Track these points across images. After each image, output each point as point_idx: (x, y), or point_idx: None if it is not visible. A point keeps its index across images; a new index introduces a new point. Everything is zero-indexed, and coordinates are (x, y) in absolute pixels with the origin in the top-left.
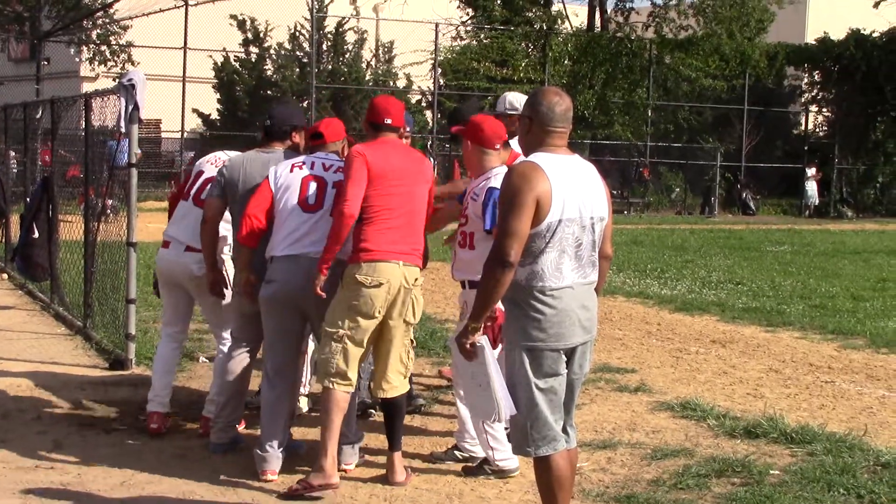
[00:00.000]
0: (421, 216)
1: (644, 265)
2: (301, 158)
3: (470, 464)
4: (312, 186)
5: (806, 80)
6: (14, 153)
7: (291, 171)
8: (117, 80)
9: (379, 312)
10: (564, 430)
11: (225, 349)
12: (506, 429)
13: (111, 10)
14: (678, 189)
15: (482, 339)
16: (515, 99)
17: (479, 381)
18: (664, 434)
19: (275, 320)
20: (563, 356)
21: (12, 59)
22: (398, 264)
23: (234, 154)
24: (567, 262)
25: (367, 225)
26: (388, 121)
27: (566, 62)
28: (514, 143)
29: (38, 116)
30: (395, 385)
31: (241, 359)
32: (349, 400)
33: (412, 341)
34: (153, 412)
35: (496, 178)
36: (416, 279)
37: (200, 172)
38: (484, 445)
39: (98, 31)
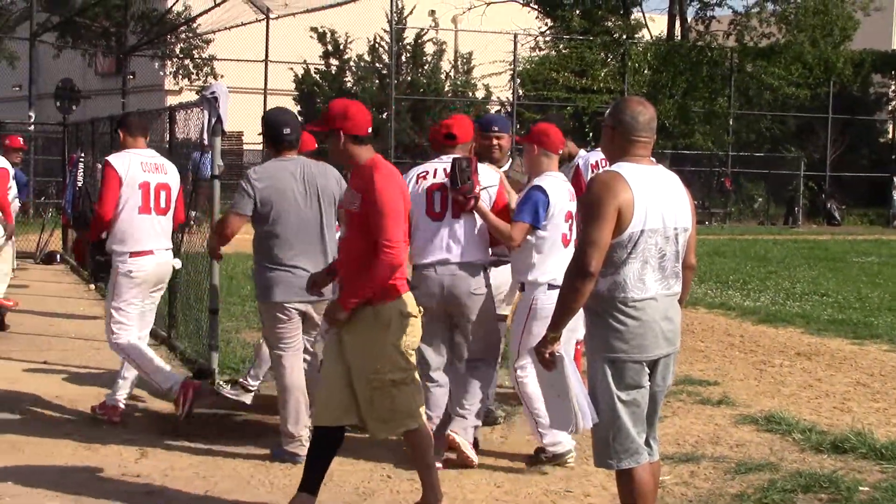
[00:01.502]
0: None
1: (726, 276)
2: (426, 168)
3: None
4: (437, 195)
5: (893, 88)
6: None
7: (418, 181)
8: (200, 93)
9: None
10: (647, 443)
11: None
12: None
13: (194, 25)
14: (760, 199)
15: (561, 349)
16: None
17: (557, 391)
18: (748, 448)
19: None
20: (646, 368)
21: (99, 74)
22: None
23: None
24: (650, 273)
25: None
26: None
27: (646, 71)
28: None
29: None
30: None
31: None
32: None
33: None
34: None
35: (544, 178)
36: None
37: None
38: (534, 432)
39: (182, 45)
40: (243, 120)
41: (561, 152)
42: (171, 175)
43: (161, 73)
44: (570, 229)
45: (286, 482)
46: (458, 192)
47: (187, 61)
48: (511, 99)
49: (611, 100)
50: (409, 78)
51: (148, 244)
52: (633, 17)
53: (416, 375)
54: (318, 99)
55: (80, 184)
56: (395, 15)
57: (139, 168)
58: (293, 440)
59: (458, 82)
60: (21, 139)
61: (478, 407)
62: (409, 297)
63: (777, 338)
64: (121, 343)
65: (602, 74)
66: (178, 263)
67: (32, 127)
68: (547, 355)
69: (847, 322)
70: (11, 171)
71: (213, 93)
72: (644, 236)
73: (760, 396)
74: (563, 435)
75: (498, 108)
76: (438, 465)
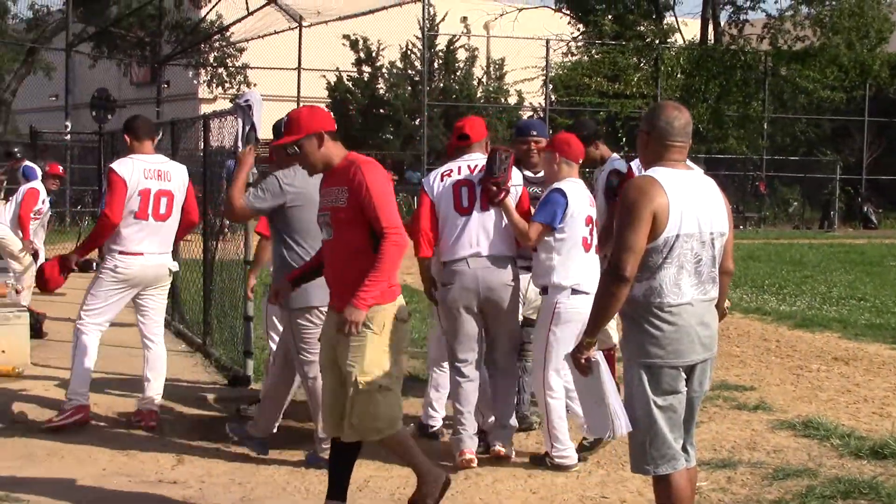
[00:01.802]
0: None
1: (761, 280)
2: (448, 167)
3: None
4: (464, 191)
5: None
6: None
7: (442, 179)
8: (234, 101)
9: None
10: (684, 449)
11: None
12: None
13: (228, 34)
14: (796, 203)
15: (597, 354)
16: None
17: (594, 397)
18: (786, 453)
19: (456, 321)
20: (683, 373)
21: (134, 83)
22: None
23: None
24: (686, 278)
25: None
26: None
27: (679, 76)
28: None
29: (158, 138)
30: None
31: None
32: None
33: None
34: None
35: (564, 182)
36: None
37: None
38: (546, 441)
39: (215, 53)
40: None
41: (593, 154)
42: (175, 181)
43: (195, 82)
44: (591, 234)
45: (321, 489)
46: (492, 181)
47: (221, 70)
48: (543, 104)
49: (644, 105)
50: (442, 84)
51: (139, 247)
52: (665, 21)
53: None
54: (350, 106)
55: None
56: (427, 22)
57: (141, 174)
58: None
59: (491, 88)
60: (61, 168)
61: (513, 413)
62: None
63: (814, 342)
64: (80, 332)
65: (635, 79)
66: (174, 266)
67: (69, 136)
68: (583, 360)
69: (885, 327)
70: (43, 195)
71: (246, 101)
72: (680, 241)
73: (797, 402)
74: (571, 450)
75: (530, 113)
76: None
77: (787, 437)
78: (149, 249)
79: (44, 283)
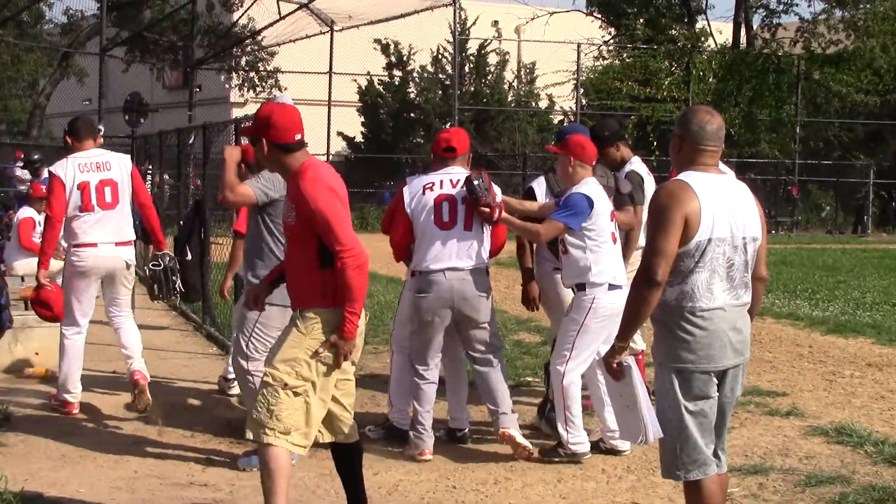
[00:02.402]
0: None
1: (794, 285)
2: (430, 179)
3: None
4: (445, 205)
5: None
6: (168, 177)
7: (424, 192)
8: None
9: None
10: (715, 455)
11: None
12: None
13: (259, 38)
14: (828, 207)
15: (629, 359)
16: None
17: (626, 402)
18: (818, 460)
19: (428, 329)
20: (714, 378)
21: (166, 87)
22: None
23: None
24: (718, 283)
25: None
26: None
27: (711, 80)
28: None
29: (190, 142)
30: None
31: None
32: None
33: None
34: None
35: (582, 185)
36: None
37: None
38: (561, 427)
39: (247, 57)
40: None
41: (614, 156)
42: (115, 170)
43: (227, 86)
44: (616, 227)
45: None
46: (481, 204)
47: (252, 74)
48: (574, 108)
49: (675, 109)
50: (473, 88)
51: (90, 238)
52: (697, 25)
53: (312, 395)
54: (381, 110)
55: None
56: (458, 26)
57: (76, 169)
58: None
59: (521, 92)
60: (44, 187)
61: (510, 399)
62: (338, 315)
63: (847, 348)
64: (64, 333)
65: (666, 83)
66: (131, 259)
67: (102, 140)
68: (615, 365)
69: None
70: (38, 218)
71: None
72: (711, 245)
73: (830, 408)
74: (585, 437)
75: (561, 117)
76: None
77: (819, 443)
78: (101, 239)
79: (47, 315)
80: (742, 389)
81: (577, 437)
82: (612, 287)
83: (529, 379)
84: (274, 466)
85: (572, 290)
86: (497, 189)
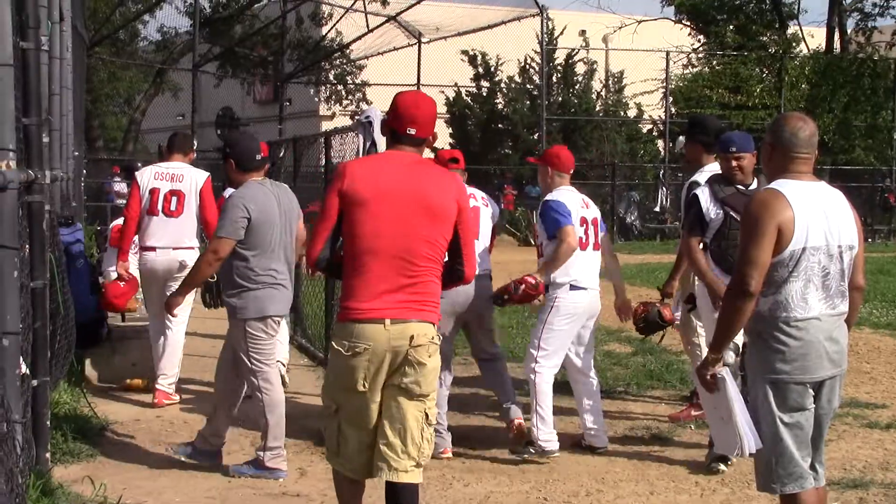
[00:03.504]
0: (424, 259)
1: (892, 295)
2: None
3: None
4: None
5: None
6: None
7: None
8: (355, 118)
9: (364, 385)
10: (812, 468)
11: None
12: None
13: (348, 51)
14: None
15: (723, 371)
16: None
17: (721, 413)
18: None
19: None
20: (810, 390)
21: (257, 101)
22: (383, 324)
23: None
24: (813, 292)
25: (348, 272)
26: (412, 131)
27: (803, 86)
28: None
29: (280, 155)
30: (404, 468)
31: None
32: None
33: (427, 416)
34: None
35: (553, 193)
36: (412, 337)
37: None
38: (533, 425)
39: (335, 71)
40: None
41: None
42: (186, 182)
43: (316, 100)
44: (587, 234)
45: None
46: (522, 299)
47: (340, 87)
48: (663, 117)
49: (766, 116)
50: (560, 98)
51: (151, 241)
52: (789, 30)
53: (343, 422)
54: (469, 121)
55: None
56: (545, 36)
57: (152, 177)
58: (278, 454)
59: (609, 101)
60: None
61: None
62: (352, 329)
63: None
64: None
65: (757, 90)
66: (182, 258)
67: (194, 155)
68: (708, 377)
69: None
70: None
71: (367, 117)
72: (806, 254)
73: None
74: (554, 435)
75: (650, 126)
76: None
77: None
78: (161, 244)
79: (108, 305)
80: (840, 401)
81: (547, 435)
82: (573, 287)
83: (621, 390)
84: (337, 494)
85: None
86: (533, 279)
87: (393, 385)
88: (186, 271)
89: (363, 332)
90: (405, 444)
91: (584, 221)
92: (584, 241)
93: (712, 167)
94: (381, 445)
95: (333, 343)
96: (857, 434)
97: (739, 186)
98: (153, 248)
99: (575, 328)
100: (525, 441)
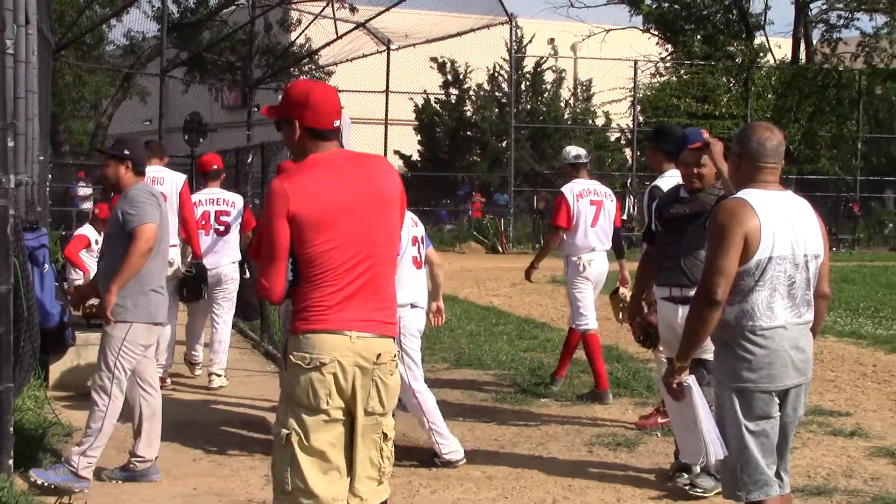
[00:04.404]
0: (385, 262)
1: (856, 303)
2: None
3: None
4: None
5: None
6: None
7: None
8: None
9: (327, 402)
10: (778, 475)
11: None
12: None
13: (317, 57)
14: (892, 224)
15: (689, 379)
16: (573, 149)
17: (687, 422)
18: (885, 482)
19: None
20: (776, 398)
21: (225, 107)
22: (348, 336)
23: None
24: (779, 301)
25: (305, 286)
26: (337, 122)
27: (770, 96)
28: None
29: (248, 161)
30: (366, 498)
31: None
32: None
33: (385, 435)
34: None
35: None
36: (378, 355)
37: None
38: (433, 441)
39: (304, 77)
40: (364, 149)
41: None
42: (167, 185)
43: None
44: (419, 251)
45: None
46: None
47: None
48: (631, 126)
49: (733, 125)
50: (529, 106)
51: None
52: (756, 41)
53: (296, 447)
54: (438, 128)
55: None
56: (514, 44)
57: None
58: (93, 461)
59: (578, 110)
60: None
61: None
62: (310, 342)
63: None
64: None
65: (725, 100)
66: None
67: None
68: (675, 385)
69: None
70: (94, 236)
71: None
72: (772, 263)
73: (895, 428)
74: (456, 443)
75: (618, 135)
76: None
77: (885, 464)
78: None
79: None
80: (805, 409)
81: (449, 447)
82: (413, 307)
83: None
84: None
85: None
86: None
87: (354, 407)
88: (174, 269)
89: (326, 343)
90: (367, 470)
91: (415, 241)
92: (416, 259)
93: (673, 173)
94: (350, 481)
95: (291, 357)
96: (822, 442)
97: (685, 195)
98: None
99: (415, 345)
100: (431, 454)
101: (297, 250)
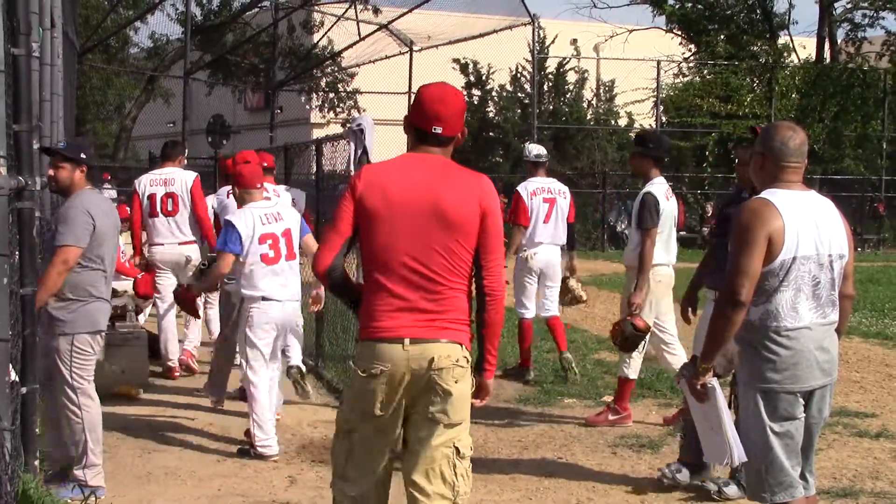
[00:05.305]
0: (438, 267)
1: (882, 304)
2: None
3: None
4: None
5: None
6: None
7: None
8: (347, 126)
9: (380, 410)
10: (803, 477)
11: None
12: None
13: (339, 59)
14: None
15: (713, 380)
16: (535, 148)
17: (710, 423)
18: None
19: None
20: (800, 399)
21: (248, 109)
22: (402, 343)
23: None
24: (804, 302)
25: (366, 289)
26: (438, 129)
27: (794, 96)
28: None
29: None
30: None
31: None
32: None
33: (457, 450)
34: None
35: (236, 213)
36: (432, 360)
37: None
38: (252, 433)
39: (327, 79)
40: (387, 151)
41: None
42: (177, 185)
43: (307, 107)
44: (271, 248)
45: None
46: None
47: (332, 95)
48: (654, 126)
49: (757, 126)
50: (552, 107)
51: (158, 238)
52: (780, 40)
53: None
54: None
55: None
56: (537, 45)
57: (148, 184)
58: (99, 471)
59: (600, 110)
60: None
61: None
62: (369, 348)
63: None
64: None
65: (748, 100)
66: (191, 254)
67: (186, 161)
68: (699, 386)
69: None
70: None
71: (359, 125)
72: (796, 263)
73: None
74: (273, 440)
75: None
76: None
77: None
78: (167, 240)
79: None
80: (830, 410)
81: (265, 441)
82: (265, 299)
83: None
84: None
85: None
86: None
87: (417, 414)
88: (192, 266)
89: (380, 353)
90: (435, 484)
91: (264, 239)
92: (268, 256)
93: (661, 180)
94: (410, 491)
95: (351, 363)
96: (847, 443)
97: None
98: (161, 244)
99: (269, 336)
100: (247, 445)
101: (360, 241)
